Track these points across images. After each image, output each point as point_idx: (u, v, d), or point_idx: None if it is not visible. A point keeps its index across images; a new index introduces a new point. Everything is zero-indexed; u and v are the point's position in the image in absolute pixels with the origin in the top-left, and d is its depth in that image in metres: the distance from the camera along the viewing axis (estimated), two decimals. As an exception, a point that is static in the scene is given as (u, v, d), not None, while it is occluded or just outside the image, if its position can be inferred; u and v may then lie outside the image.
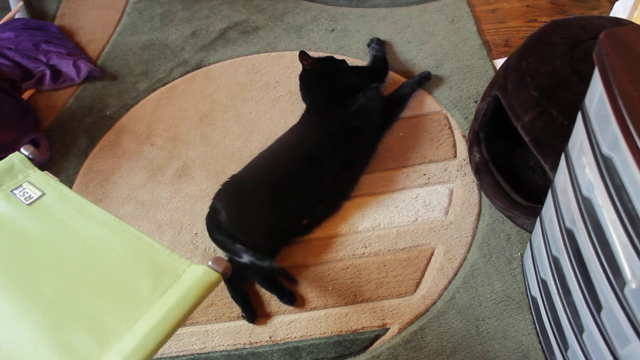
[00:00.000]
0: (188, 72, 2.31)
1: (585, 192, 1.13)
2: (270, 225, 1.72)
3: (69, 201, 1.27)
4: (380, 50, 2.18)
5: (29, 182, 1.30)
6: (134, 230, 1.20)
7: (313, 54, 2.26)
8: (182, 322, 1.03)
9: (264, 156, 1.87)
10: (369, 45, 2.24)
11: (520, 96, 1.54)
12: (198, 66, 2.33)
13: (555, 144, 1.43)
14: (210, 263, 1.11)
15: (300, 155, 1.80)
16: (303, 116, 1.99)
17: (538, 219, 1.52)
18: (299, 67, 2.11)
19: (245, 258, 1.63)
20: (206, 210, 1.79)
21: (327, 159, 1.80)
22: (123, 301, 1.09)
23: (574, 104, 1.38)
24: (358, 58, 2.24)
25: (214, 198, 1.80)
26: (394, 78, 2.15)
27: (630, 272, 0.96)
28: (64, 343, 1.04)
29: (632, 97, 0.91)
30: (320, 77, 2.02)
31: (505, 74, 1.64)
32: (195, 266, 1.12)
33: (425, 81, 2.11)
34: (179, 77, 2.30)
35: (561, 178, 1.28)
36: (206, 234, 1.78)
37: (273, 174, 1.78)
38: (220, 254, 1.78)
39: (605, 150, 1.00)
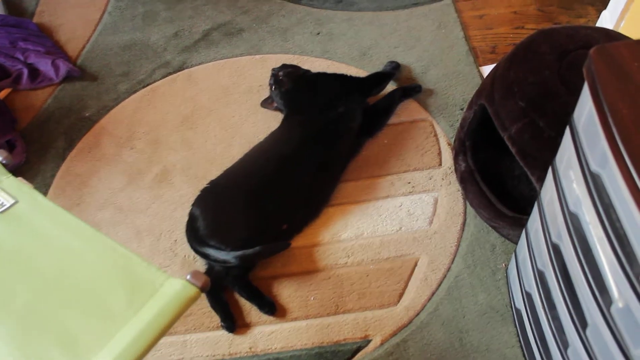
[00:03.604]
0: (170, 73, 2.28)
1: (572, 207, 1.12)
2: (248, 230, 1.71)
3: (44, 209, 1.24)
4: (389, 70, 2.15)
5: (2, 189, 1.26)
6: (111, 241, 1.17)
7: (298, 58, 2.25)
8: (159, 338, 1.01)
9: (242, 161, 1.86)
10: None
11: (508, 106, 1.53)
12: (180, 68, 2.30)
13: (542, 156, 1.43)
14: (188, 277, 1.08)
15: (277, 158, 1.80)
16: (282, 121, 1.98)
17: (524, 230, 1.51)
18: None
19: (230, 257, 1.63)
20: (186, 217, 1.77)
21: (304, 162, 1.80)
22: (98, 316, 1.06)
23: (562, 115, 1.37)
24: (343, 62, 2.22)
25: (193, 205, 1.78)
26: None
27: (617, 291, 0.95)
28: (36, 358, 1.01)
29: (621, 114, 0.90)
30: (302, 87, 2.02)
31: (492, 83, 1.63)
32: (173, 280, 1.09)
33: (415, 94, 2.09)
34: (161, 78, 2.27)
35: (548, 191, 1.27)
36: (186, 241, 1.75)
37: (250, 178, 1.78)
38: (201, 262, 1.75)
39: (593, 166, 0.99)
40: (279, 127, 1.95)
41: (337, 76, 2.07)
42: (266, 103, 2.09)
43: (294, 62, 2.21)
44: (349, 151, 1.93)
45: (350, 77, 2.06)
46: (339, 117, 1.89)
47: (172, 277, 1.11)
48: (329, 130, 1.86)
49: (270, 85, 2.04)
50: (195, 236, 1.70)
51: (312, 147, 1.82)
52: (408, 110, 2.06)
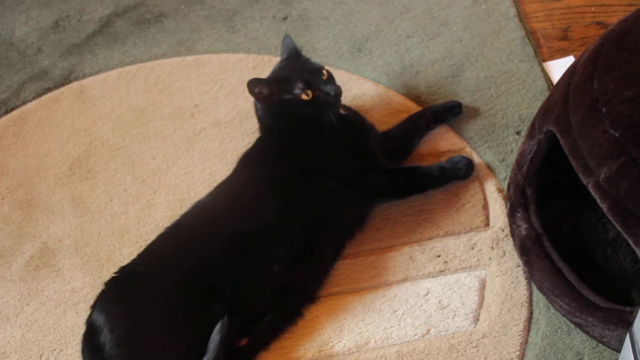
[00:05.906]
0: (49, 89, 2.31)
1: None
2: (182, 349, 1.70)
3: None
4: (454, 167, 2.01)
5: None
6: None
7: (254, 59, 2.25)
8: None
9: (172, 233, 1.86)
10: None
11: (592, 137, 1.53)
12: (65, 80, 2.33)
13: (651, 215, 1.43)
14: None
15: (230, 232, 1.80)
16: (238, 165, 1.99)
17: (628, 332, 1.51)
18: (230, 82, 2.09)
19: None
20: (82, 327, 1.75)
21: (273, 241, 1.82)
22: None
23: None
24: (327, 64, 2.21)
25: (93, 307, 1.77)
26: (393, 103, 2.15)
27: None
28: None
29: None
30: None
31: (565, 98, 1.64)
32: None
33: (453, 117, 2.11)
34: (34, 98, 2.30)
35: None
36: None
37: (186, 264, 1.77)
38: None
39: None
40: (232, 177, 1.97)
41: (358, 147, 1.99)
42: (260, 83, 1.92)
43: (249, 64, 2.21)
44: (350, 222, 1.95)
45: (376, 164, 1.98)
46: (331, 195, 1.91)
47: None
48: (315, 200, 1.89)
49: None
50: (97, 358, 1.69)
51: (288, 219, 1.84)
52: (432, 136, 2.09)
